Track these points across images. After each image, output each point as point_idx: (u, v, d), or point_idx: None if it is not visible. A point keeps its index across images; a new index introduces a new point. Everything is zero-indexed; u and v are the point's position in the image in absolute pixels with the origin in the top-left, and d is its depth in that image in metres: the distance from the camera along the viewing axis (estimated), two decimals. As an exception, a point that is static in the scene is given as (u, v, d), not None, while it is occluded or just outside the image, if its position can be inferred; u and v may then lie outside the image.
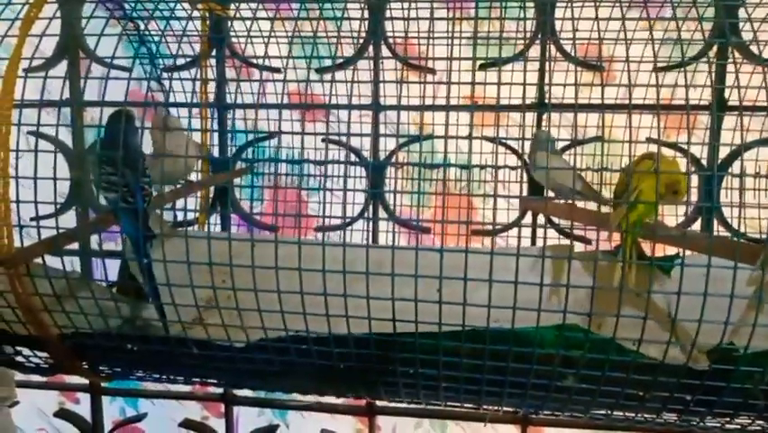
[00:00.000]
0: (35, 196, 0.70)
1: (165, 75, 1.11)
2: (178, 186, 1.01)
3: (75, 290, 0.73)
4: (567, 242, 1.05)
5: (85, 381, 1.12)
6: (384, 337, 0.68)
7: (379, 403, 1.10)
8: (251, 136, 1.17)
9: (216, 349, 0.74)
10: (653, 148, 0.81)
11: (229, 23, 1.08)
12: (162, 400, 1.63)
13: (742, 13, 0.88)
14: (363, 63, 1.06)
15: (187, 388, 1.15)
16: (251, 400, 1.18)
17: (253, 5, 0.96)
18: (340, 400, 1.07)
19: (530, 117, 1.08)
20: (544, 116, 1.08)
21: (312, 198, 1.34)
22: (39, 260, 0.71)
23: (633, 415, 0.75)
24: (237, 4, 1.04)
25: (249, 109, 1.18)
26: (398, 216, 1.16)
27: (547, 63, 1.05)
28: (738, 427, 0.74)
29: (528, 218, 1.14)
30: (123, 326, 0.76)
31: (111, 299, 0.75)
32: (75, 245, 0.96)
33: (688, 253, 0.65)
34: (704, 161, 1.04)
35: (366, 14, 1.02)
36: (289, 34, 0.92)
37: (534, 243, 1.11)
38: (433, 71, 1.08)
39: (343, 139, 1.16)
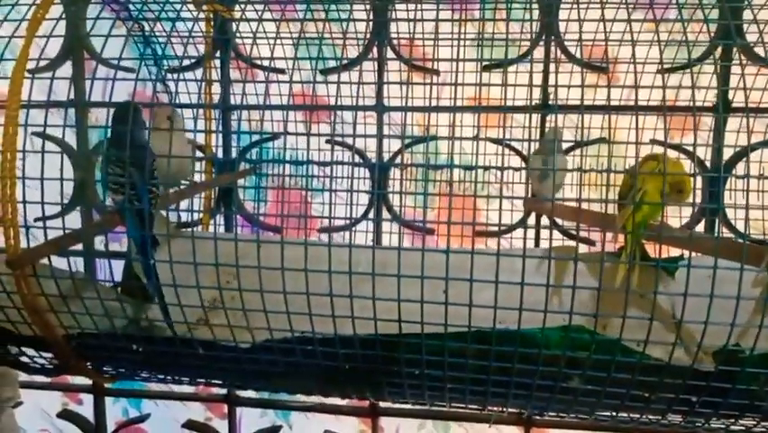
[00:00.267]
0: (42, 197, 0.70)
1: (170, 76, 1.12)
2: (182, 186, 1.01)
3: (80, 290, 0.73)
4: (570, 243, 1.05)
5: (88, 381, 1.12)
6: (390, 338, 0.68)
7: (382, 404, 1.10)
8: (255, 137, 1.18)
9: (222, 350, 0.74)
10: (657, 149, 0.81)
11: (234, 25, 1.09)
12: (165, 401, 1.63)
13: (747, 14, 0.89)
14: (368, 65, 1.06)
15: (190, 389, 1.15)
16: (255, 401, 1.18)
17: (258, 7, 0.96)
18: (343, 402, 1.07)
19: (535, 119, 1.08)
20: (549, 118, 1.08)
21: (316, 198, 1.34)
22: (45, 260, 0.71)
23: (638, 416, 0.75)
24: (242, 6, 1.04)
25: (254, 110, 1.17)
26: (403, 218, 1.16)
27: (552, 64, 1.05)
28: (743, 428, 0.74)
29: (532, 219, 1.15)
30: (128, 326, 0.76)
31: (116, 300, 0.75)
32: (80, 246, 0.96)
33: (692, 254, 0.65)
34: (708, 163, 1.04)
35: (371, 16, 1.03)
36: (294, 36, 0.92)
37: (537, 244, 1.11)
38: (437, 72, 1.09)
39: (348, 140, 1.16)
